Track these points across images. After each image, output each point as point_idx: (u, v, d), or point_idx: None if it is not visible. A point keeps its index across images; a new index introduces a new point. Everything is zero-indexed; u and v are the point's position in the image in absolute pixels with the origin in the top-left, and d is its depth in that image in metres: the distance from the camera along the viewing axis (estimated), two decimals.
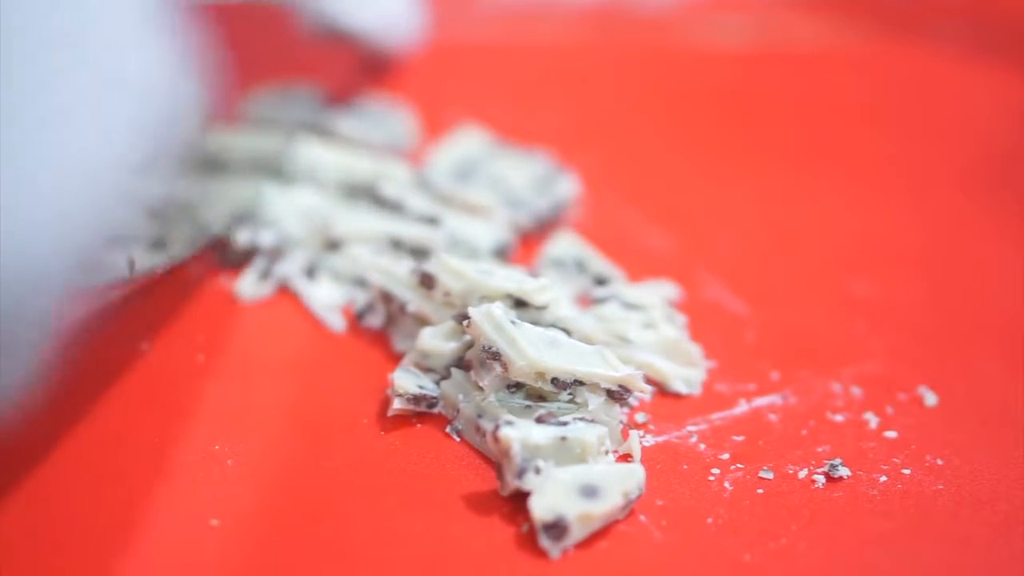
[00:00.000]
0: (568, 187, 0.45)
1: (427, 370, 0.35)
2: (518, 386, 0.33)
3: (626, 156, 0.50)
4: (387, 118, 0.49)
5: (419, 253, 0.40)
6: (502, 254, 0.41)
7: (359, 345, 0.38)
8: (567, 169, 0.47)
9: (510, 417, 0.32)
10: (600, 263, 0.41)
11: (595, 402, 0.33)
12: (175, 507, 0.31)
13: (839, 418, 0.35)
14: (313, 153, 0.44)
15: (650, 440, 0.34)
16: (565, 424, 0.32)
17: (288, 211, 0.42)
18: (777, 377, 0.36)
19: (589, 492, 0.30)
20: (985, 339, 0.39)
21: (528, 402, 0.33)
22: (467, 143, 0.47)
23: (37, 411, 0.30)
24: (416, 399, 0.34)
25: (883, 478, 0.32)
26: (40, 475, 0.32)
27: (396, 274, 0.37)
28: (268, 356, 0.37)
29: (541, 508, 0.29)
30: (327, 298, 0.39)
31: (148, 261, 0.37)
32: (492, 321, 0.33)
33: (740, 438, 0.34)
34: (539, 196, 0.44)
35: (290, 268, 0.40)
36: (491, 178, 0.45)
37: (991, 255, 0.45)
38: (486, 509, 0.31)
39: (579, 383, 0.33)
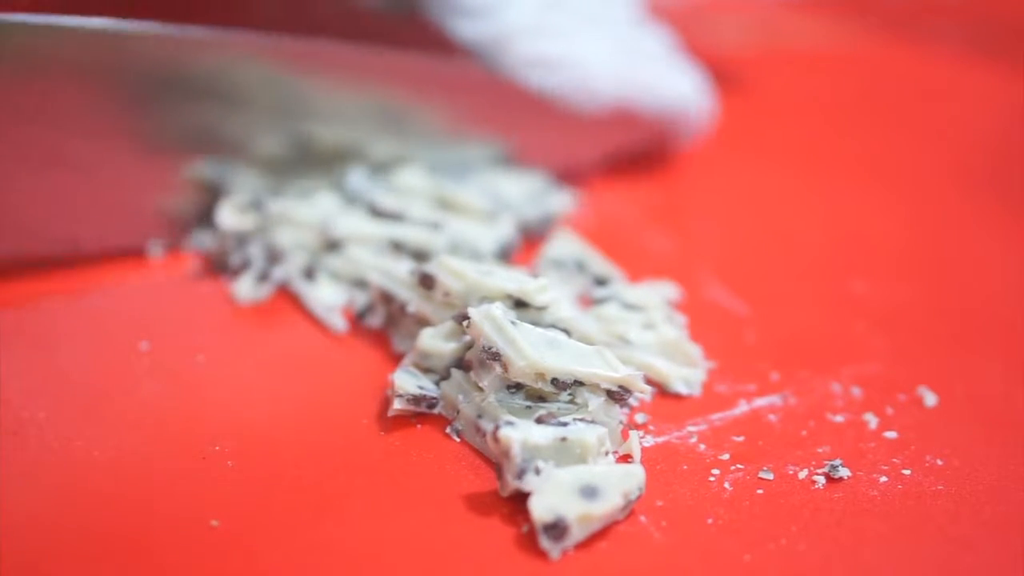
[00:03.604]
0: (561, 202, 0.45)
1: (427, 370, 0.35)
2: (518, 386, 0.33)
3: (626, 156, 0.50)
4: None
5: (420, 256, 0.40)
6: (504, 256, 0.41)
7: (359, 345, 0.38)
8: (564, 186, 0.47)
9: (510, 417, 0.32)
10: (600, 263, 0.41)
11: (595, 402, 0.33)
12: (175, 507, 0.31)
13: (839, 418, 0.35)
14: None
15: (650, 440, 0.34)
16: (565, 424, 0.32)
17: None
18: (777, 377, 0.36)
19: (589, 493, 0.30)
20: (985, 339, 0.39)
21: (528, 402, 0.33)
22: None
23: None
24: (416, 399, 0.34)
25: (883, 478, 0.32)
26: (39, 475, 0.32)
27: (396, 274, 0.37)
28: (268, 356, 0.37)
29: (541, 508, 0.29)
30: (327, 299, 0.39)
31: None
32: (492, 321, 0.33)
33: (740, 438, 0.34)
34: (530, 206, 0.44)
35: (289, 269, 0.40)
36: (485, 187, 0.45)
37: (991, 255, 0.45)
38: (486, 509, 0.31)
39: (579, 383, 0.33)
